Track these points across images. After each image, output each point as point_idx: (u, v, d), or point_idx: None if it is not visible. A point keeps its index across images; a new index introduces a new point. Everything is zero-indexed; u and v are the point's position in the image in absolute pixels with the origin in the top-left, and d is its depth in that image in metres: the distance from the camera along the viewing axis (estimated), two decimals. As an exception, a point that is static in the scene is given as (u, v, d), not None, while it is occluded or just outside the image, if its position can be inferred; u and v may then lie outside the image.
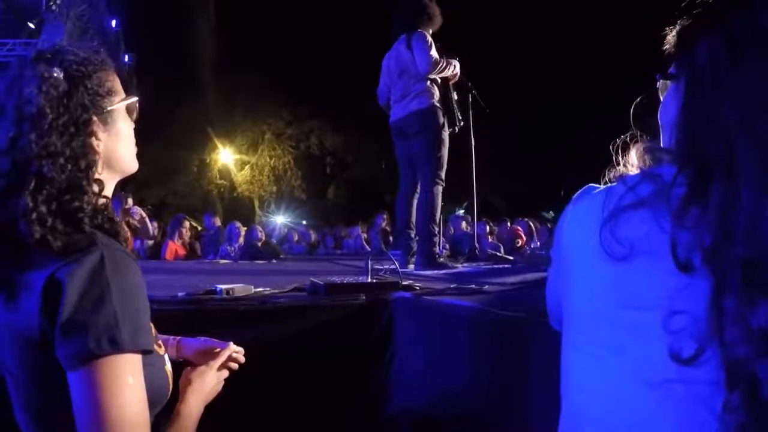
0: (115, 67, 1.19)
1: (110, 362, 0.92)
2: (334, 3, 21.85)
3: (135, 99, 1.21)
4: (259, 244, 7.58)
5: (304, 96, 21.82)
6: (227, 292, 2.39)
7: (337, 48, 21.39)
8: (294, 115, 23.55)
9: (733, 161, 0.72)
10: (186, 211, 10.11)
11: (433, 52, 4.18)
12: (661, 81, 0.94)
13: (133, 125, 1.22)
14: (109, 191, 1.15)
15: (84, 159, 1.05)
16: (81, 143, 1.06)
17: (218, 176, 23.64)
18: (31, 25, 15.27)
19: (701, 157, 0.76)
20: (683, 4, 0.89)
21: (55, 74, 1.06)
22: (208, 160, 23.40)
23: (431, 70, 4.16)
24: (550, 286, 1.00)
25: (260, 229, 8.18)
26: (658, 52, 0.95)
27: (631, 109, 0.98)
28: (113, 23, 18.19)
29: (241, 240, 7.71)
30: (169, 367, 1.18)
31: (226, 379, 1.38)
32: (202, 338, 1.47)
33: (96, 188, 1.08)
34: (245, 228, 8.05)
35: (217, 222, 8.95)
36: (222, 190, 23.76)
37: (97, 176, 1.08)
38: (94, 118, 1.10)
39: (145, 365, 0.99)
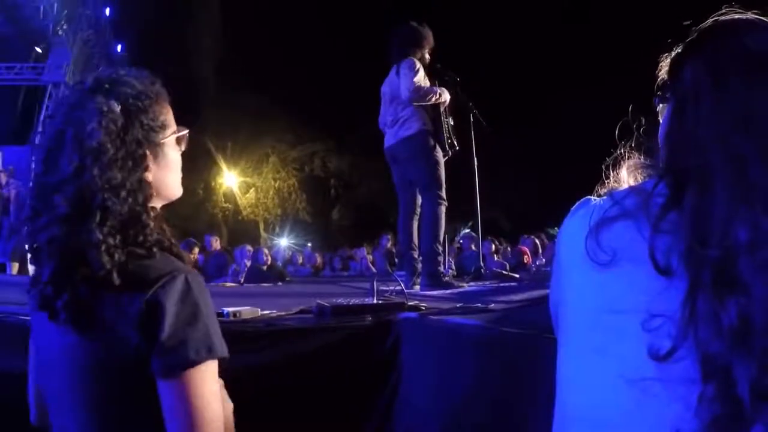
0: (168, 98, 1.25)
1: (203, 368, 1.06)
2: (338, 26, 22.11)
3: (186, 131, 1.28)
4: (265, 267, 7.58)
5: (308, 119, 21.98)
6: (234, 314, 2.39)
7: (340, 70, 21.58)
8: (298, 138, 23.69)
9: (708, 173, 0.77)
10: (191, 235, 10.15)
11: (418, 79, 4.15)
12: (660, 104, 0.99)
13: (180, 154, 1.28)
14: None
15: (141, 192, 1.13)
16: (138, 178, 1.13)
17: (223, 199, 23.70)
18: (38, 50, 15.49)
19: (679, 169, 0.81)
20: (678, 31, 0.94)
21: (114, 108, 1.11)
22: (213, 184, 23.48)
23: (413, 97, 4.14)
24: (551, 296, 1.02)
25: (266, 252, 8.19)
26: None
27: (616, 130, 1.02)
28: (118, 48, 18.43)
29: (247, 262, 7.72)
30: None
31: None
32: None
33: (152, 216, 1.16)
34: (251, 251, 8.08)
35: (217, 245, 8.99)
36: (227, 213, 23.81)
37: (150, 205, 1.17)
38: (147, 152, 1.16)
39: None
